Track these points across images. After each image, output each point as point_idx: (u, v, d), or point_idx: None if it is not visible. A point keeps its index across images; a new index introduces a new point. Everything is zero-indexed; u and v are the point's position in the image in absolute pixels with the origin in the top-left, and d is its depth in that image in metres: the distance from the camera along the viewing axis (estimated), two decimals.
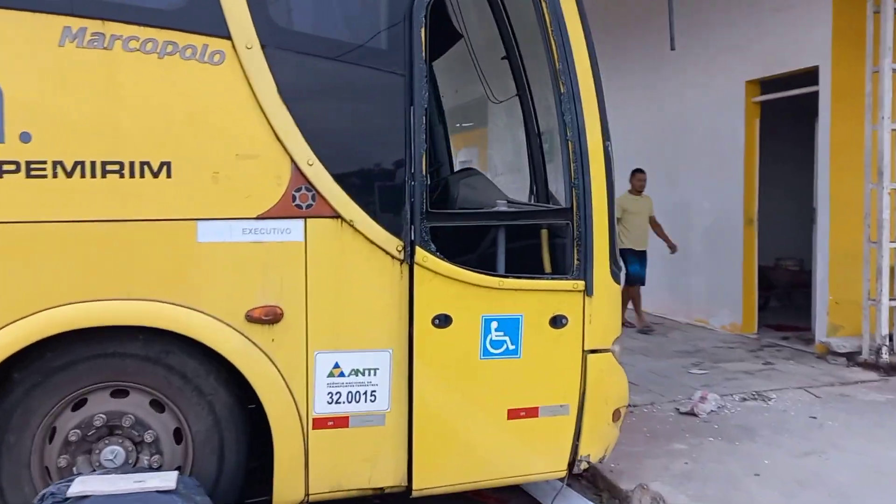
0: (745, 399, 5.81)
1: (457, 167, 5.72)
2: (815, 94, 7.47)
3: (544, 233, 3.79)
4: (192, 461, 3.35)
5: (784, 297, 9.92)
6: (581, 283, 3.60)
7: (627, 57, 9.62)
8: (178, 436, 3.34)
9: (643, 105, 9.66)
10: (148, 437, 3.29)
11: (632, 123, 8.93)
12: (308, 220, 3.28)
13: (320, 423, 3.41)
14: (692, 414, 5.34)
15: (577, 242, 3.60)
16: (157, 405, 3.32)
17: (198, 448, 3.34)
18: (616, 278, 3.72)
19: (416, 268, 3.39)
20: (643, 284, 8.67)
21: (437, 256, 3.41)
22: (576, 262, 3.61)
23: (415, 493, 3.49)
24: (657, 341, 8.10)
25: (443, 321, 3.44)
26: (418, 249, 3.38)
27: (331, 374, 3.42)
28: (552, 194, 4.08)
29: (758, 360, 7.16)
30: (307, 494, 3.43)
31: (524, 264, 3.69)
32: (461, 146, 11.61)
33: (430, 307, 3.43)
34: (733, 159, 8.44)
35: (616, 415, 3.78)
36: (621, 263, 3.97)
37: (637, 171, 8.52)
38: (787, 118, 8.71)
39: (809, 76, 7.53)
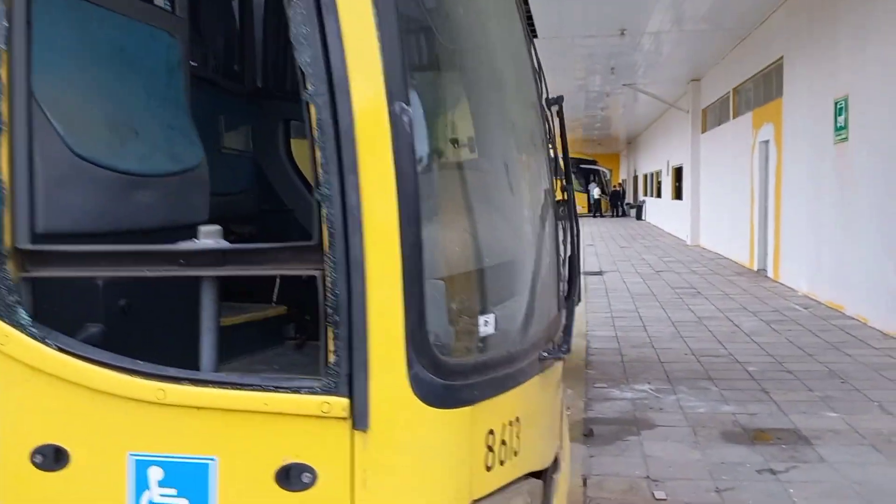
0: None
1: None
2: None
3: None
4: None
5: None
6: (340, 404, 1.69)
7: None
8: None
9: None
10: None
11: None
12: None
13: None
14: None
15: (329, 319, 1.71)
16: None
17: None
18: (440, 394, 1.75)
19: None
20: None
21: (27, 332, 1.74)
22: (329, 360, 1.72)
23: None
24: None
25: (51, 458, 1.76)
26: None
27: None
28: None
29: None
30: None
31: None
32: None
33: (23, 432, 1.78)
34: None
35: None
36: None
37: None
38: None
39: None
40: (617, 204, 41.89)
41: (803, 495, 3.89)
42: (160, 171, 2.33)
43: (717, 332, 8.34)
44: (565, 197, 3.02)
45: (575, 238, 3.57)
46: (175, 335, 1.91)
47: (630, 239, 23.74)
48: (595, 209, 41.06)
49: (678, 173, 24.34)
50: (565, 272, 3.45)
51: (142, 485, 1.75)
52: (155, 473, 1.75)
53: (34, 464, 1.76)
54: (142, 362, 1.74)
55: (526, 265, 2.47)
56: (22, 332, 1.72)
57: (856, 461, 4.35)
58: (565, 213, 3.02)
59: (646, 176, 36.49)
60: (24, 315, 1.71)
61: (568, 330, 2.57)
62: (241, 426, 1.73)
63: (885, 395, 5.68)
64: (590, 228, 29.52)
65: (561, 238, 3.17)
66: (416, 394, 1.71)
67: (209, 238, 1.77)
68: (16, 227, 1.72)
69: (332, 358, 1.69)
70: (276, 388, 1.72)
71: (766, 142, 13.00)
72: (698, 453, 4.56)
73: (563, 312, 2.70)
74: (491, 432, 1.91)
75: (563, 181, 3.05)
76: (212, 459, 1.74)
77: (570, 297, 3.53)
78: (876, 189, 8.35)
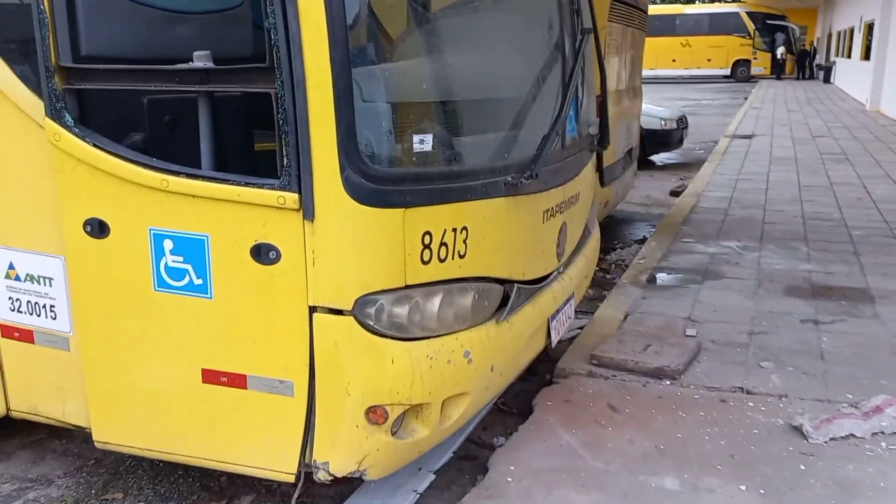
0: None
1: None
2: None
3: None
4: None
5: None
6: (292, 198, 2.16)
7: None
8: None
9: None
10: None
11: None
12: None
13: (7, 332, 2.77)
14: (800, 433, 3.08)
15: (280, 129, 2.13)
16: None
17: None
18: (370, 195, 2.15)
19: (52, 149, 2.36)
20: None
21: (74, 133, 2.31)
22: (284, 162, 2.16)
23: (98, 445, 2.66)
24: None
25: (97, 229, 2.38)
26: (48, 122, 2.33)
27: (7, 276, 2.70)
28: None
29: None
30: (8, 409, 2.87)
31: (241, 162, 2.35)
32: None
33: (77, 207, 2.40)
34: None
35: (375, 415, 2.31)
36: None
37: None
38: None
39: None
40: (804, 65, 38.18)
41: (833, 343, 3.99)
42: (200, 9, 2.76)
43: (843, 197, 7.97)
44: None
45: (603, 84, 3.74)
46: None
47: (804, 103, 21.93)
48: (779, 70, 37.73)
49: (870, 30, 21.80)
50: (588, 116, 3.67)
51: (160, 252, 2.35)
52: (168, 244, 2.34)
53: (86, 232, 2.40)
54: (152, 158, 2.29)
55: (489, 101, 2.74)
56: (69, 131, 2.31)
57: None
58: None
59: (839, 34, 32.80)
60: (69, 118, 2.29)
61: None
62: (223, 211, 2.26)
63: None
64: (765, 91, 27.47)
65: (580, 81, 3.36)
66: (348, 193, 2.15)
67: (200, 61, 2.23)
68: (59, 48, 2.26)
69: (285, 161, 2.15)
70: (247, 184, 2.22)
71: None
72: (751, 302, 4.69)
73: (555, 146, 2.91)
74: (427, 233, 2.32)
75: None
76: (206, 236, 2.29)
77: (601, 140, 3.77)
78: None
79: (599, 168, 6.07)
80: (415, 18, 2.61)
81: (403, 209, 2.24)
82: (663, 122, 11.27)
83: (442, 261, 2.39)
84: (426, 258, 2.33)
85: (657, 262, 5.67)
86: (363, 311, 2.24)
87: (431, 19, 2.82)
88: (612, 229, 7.64)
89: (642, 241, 6.82)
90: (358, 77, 2.16)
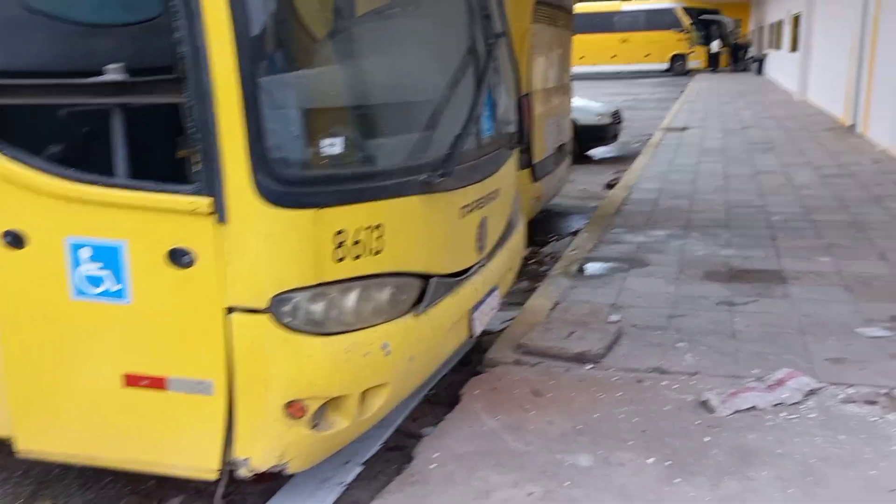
0: (861, 401, 3.28)
1: None
2: None
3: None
4: None
5: None
6: (205, 203, 2.24)
7: None
8: None
9: None
10: None
11: None
12: None
13: None
14: (706, 408, 3.27)
15: (192, 137, 2.23)
16: None
17: None
18: (280, 197, 2.26)
19: None
20: None
21: None
22: (195, 168, 2.26)
23: (22, 454, 2.70)
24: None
25: (14, 240, 2.43)
26: None
27: None
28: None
29: None
30: None
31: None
32: None
33: None
34: None
35: (294, 409, 2.42)
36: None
37: None
38: None
39: None
40: (739, 58, 39.31)
41: (745, 323, 4.23)
42: (118, 22, 2.79)
43: (766, 185, 8.33)
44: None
45: (518, 85, 3.89)
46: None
47: (737, 95, 22.63)
48: (715, 63, 38.75)
49: (797, 22, 22.60)
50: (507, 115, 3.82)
51: (77, 261, 2.40)
52: (85, 252, 2.40)
53: (6, 243, 2.44)
54: (68, 169, 2.35)
55: (401, 104, 2.86)
56: None
57: (819, 298, 4.59)
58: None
59: (770, 26, 33.86)
60: None
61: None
62: (139, 218, 2.34)
63: (892, 244, 5.72)
64: (700, 84, 28.21)
65: (495, 83, 3.49)
66: (259, 196, 2.25)
67: (113, 74, 2.30)
68: None
69: (197, 167, 2.23)
70: (161, 190, 2.30)
71: None
72: (672, 288, 4.92)
73: (464, 145, 3.04)
74: (340, 232, 2.43)
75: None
76: (123, 242, 2.36)
77: (519, 138, 3.92)
78: None
79: (530, 164, 6.26)
80: (328, 25, 2.71)
81: (315, 209, 2.35)
82: (598, 118, 11.56)
83: (356, 258, 2.50)
84: (340, 256, 2.44)
85: (588, 252, 5.88)
86: (279, 310, 2.34)
87: (344, 26, 2.92)
88: (549, 223, 7.84)
89: (576, 233, 7.04)
90: (267, 84, 2.26)
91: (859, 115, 12.37)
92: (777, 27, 30.40)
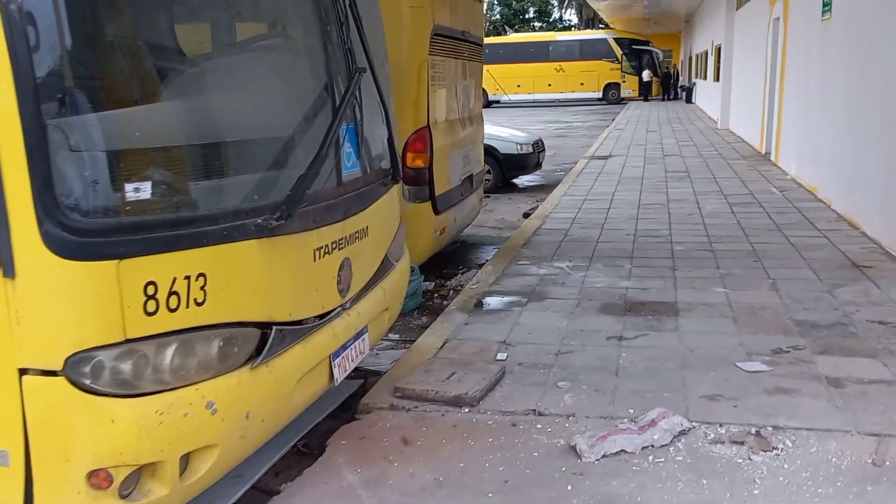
0: (729, 441, 3.20)
1: None
2: None
3: None
4: None
5: None
6: None
7: None
8: None
9: None
10: None
11: None
12: None
13: None
14: (575, 452, 3.14)
15: None
16: None
17: None
18: (74, 249, 2.07)
19: None
20: None
21: None
22: None
23: None
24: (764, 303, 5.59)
25: None
26: None
27: None
28: None
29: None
30: None
31: None
32: None
33: None
34: None
35: (98, 479, 2.20)
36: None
37: None
38: None
39: None
40: (669, 87, 40.44)
41: (630, 358, 4.16)
42: None
43: (675, 214, 8.41)
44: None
45: (388, 120, 3.77)
46: None
47: (664, 123, 23.16)
48: (646, 92, 39.76)
49: (719, 53, 23.32)
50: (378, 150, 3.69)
51: None
52: None
53: None
54: None
55: (228, 144, 2.70)
56: None
57: (706, 331, 4.56)
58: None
59: (697, 56, 34.93)
60: None
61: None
62: None
63: (785, 272, 5.78)
64: (631, 112, 28.82)
65: (352, 120, 3.35)
66: (48, 248, 2.05)
67: None
68: None
69: None
70: None
71: (778, 19, 12.39)
72: (566, 322, 4.84)
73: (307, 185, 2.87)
74: (151, 283, 2.24)
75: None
76: None
77: (394, 174, 3.80)
78: (847, 68, 8.04)
79: (431, 197, 6.17)
80: (138, 58, 2.54)
81: (117, 261, 2.16)
82: (519, 147, 11.63)
83: (173, 310, 2.31)
84: (151, 309, 2.25)
85: (489, 286, 5.78)
86: (78, 370, 2.14)
87: (162, 58, 2.75)
88: (461, 254, 7.76)
89: (483, 265, 6.95)
90: (57, 125, 2.08)
91: (772, 143, 12.72)
92: (703, 57, 31.36)
